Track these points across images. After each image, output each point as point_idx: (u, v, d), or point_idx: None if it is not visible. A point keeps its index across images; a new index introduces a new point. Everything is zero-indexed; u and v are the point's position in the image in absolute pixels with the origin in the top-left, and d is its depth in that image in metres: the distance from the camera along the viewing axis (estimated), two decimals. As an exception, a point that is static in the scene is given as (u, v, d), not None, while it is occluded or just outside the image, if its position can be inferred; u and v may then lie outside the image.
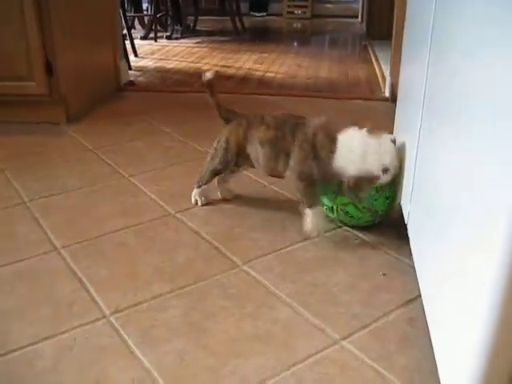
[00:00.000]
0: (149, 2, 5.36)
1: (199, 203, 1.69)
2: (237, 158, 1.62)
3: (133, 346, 1.09)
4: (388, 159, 1.38)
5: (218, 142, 1.63)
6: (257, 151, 1.55)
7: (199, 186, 1.68)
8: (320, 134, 1.45)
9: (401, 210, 1.44)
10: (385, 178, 1.40)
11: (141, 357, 1.06)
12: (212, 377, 1.01)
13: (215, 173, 1.67)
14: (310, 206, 1.48)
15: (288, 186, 1.80)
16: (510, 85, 0.64)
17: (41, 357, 1.06)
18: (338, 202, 1.49)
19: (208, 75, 1.67)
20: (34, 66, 2.30)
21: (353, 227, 1.54)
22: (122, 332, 1.13)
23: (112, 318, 1.17)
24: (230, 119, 1.65)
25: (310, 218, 1.47)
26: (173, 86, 3.33)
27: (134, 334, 1.12)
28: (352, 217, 1.50)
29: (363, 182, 1.38)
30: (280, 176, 1.56)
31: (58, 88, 2.38)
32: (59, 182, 1.86)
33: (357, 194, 1.41)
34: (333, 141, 1.42)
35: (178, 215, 1.63)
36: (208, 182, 1.67)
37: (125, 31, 4.00)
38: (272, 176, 1.65)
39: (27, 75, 2.31)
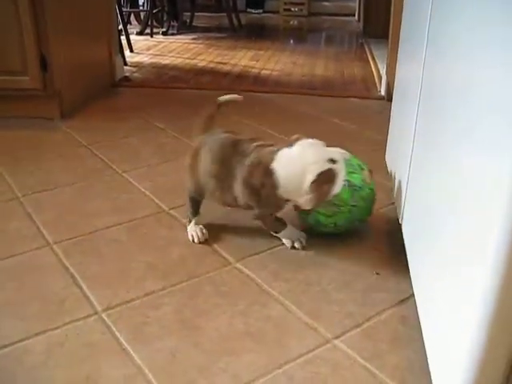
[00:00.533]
0: (145, -2, 5.35)
1: (195, 240, 1.47)
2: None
3: (124, 342, 1.09)
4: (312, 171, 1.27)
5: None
6: (205, 181, 1.44)
7: (189, 220, 1.51)
8: (255, 171, 1.32)
9: (395, 209, 1.44)
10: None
11: (132, 353, 1.06)
12: (203, 374, 1.01)
13: (192, 202, 1.51)
14: (276, 232, 1.44)
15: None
16: (509, 85, 0.64)
17: (32, 353, 1.06)
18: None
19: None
20: (28, 61, 2.29)
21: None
22: (114, 329, 1.13)
23: (104, 315, 1.17)
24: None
25: (283, 238, 1.44)
26: (168, 82, 3.32)
27: (126, 331, 1.12)
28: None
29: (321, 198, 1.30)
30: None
31: (52, 83, 2.36)
32: (52, 177, 1.85)
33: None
34: (270, 174, 1.30)
35: (171, 212, 1.62)
36: (193, 212, 1.51)
37: (120, 26, 3.99)
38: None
39: (21, 70, 2.30)
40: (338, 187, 1.29)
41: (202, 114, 1.58)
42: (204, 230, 1.48)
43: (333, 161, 1.29)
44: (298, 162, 1.29)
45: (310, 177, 1.26)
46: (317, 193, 1.27)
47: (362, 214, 1.46)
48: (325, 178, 1.27)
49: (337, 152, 1.34)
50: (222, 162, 1.39)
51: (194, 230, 1.48)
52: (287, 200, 1.34)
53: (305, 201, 1.29)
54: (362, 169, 1.45)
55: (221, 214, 1.61)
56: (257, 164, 1.33)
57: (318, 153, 1.30)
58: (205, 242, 1.46)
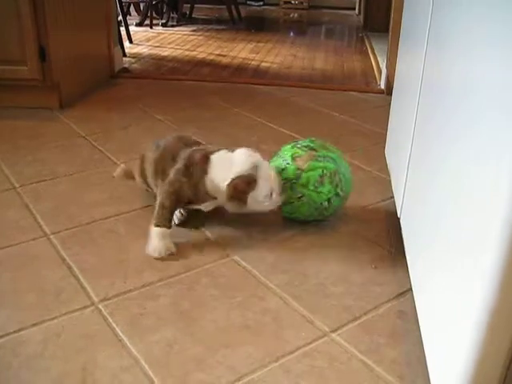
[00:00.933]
0: (145, -11, 5.32)
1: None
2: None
3: (121, 334, 1.08)
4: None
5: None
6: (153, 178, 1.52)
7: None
8: (196, 155, 1.41)
9: (393, 202, 1.44)
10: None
11: (129, 345, 1.06)
12: (200, 366, 1.01)
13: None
14: (157, 226, 1.37)
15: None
16: (509, 81, 0.63)
17: (28, 343, 1.05)
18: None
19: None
20: (26, 51, 2.27)
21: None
22: (111, 320, 1.12)
23: (101, 306, 1.16)
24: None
25: (153, 239, 1.37)
26: (167, 73, 3.31)
27: (123, 322, 1.12)
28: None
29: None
30: None
31: (51, 73, 2.35)
32: (50, 167, 1.84)
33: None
34: (206, 161, 1.39)
35: (169, 204, 1.61)
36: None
37: (120, 18, 3.97)
38: None
39: (20, 59, 2.28)
40: (259, 193, 1.36)
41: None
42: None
43: (255, 168, 1.36)
44: (227, 165, 1.38)
45: (228, 179, 1.35)
46: (230, 194, 1.35)
47: (320, 199, 1.44)
48: (239, 182, 1.34)
49: (263, 163, 1.39)
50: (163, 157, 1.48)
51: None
52: (208, 195, 1.40)
53: (224, 200, 1.39)
54: (297, 156, 1.47)
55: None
56: (199, 150, 1.44)
57: (244, 161, 1.38)
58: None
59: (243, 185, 1.35)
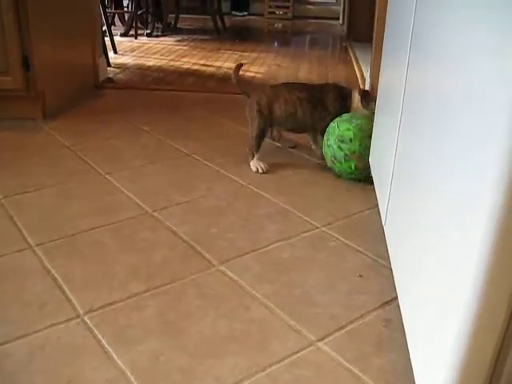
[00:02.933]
0: (129, -1, 5.32)
1: (260, 170, 1.93)
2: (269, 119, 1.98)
3: (107, 345, 1.08)
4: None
5: (251, 109, 1.98)
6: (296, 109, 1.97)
7: (253, 156, 1.96)
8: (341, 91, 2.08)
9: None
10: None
11: (115, 357, 1.05)
12: (187, 377, 1.00)
13: (260, 136, 1.96)
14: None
15: (266, 186, 1.80)
16: (488, 90, 0.64)
17: (12, 357, 1.04)
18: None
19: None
20: (10, 61, 2.26)
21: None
22: (96, 332, 1.12)
23: (86, 318, 1.16)
24: (249, 92, 2.03)
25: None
26: (152, 83, 3.30)
27: (109, 334, 1.11)
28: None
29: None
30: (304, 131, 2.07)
31: (35, 84, 2.34)
32: (34, 178, 1.83)
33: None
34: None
35: (155, 214, 1.61)
36: (257, 148, 1.97)
37: (104, 28, 3.96)
38: (297, 132, 2.08)
39: (3, 70, 2.27)
40: (369, 102, 2.03)
41: (235, 80, 2.05)
42: (266, 164, 1.95)
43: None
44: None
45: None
46: (359, 95, 2.02)
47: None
48: (360, 91, 2.05)
49: None
50: (311, 91, 2.02)
51: (257, 164, 1.94)
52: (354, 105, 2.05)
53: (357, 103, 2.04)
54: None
55: (204, 215, 1.60)
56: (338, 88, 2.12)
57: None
58: (267, 172, 1.94)
59: (366, 92, 2.05)
